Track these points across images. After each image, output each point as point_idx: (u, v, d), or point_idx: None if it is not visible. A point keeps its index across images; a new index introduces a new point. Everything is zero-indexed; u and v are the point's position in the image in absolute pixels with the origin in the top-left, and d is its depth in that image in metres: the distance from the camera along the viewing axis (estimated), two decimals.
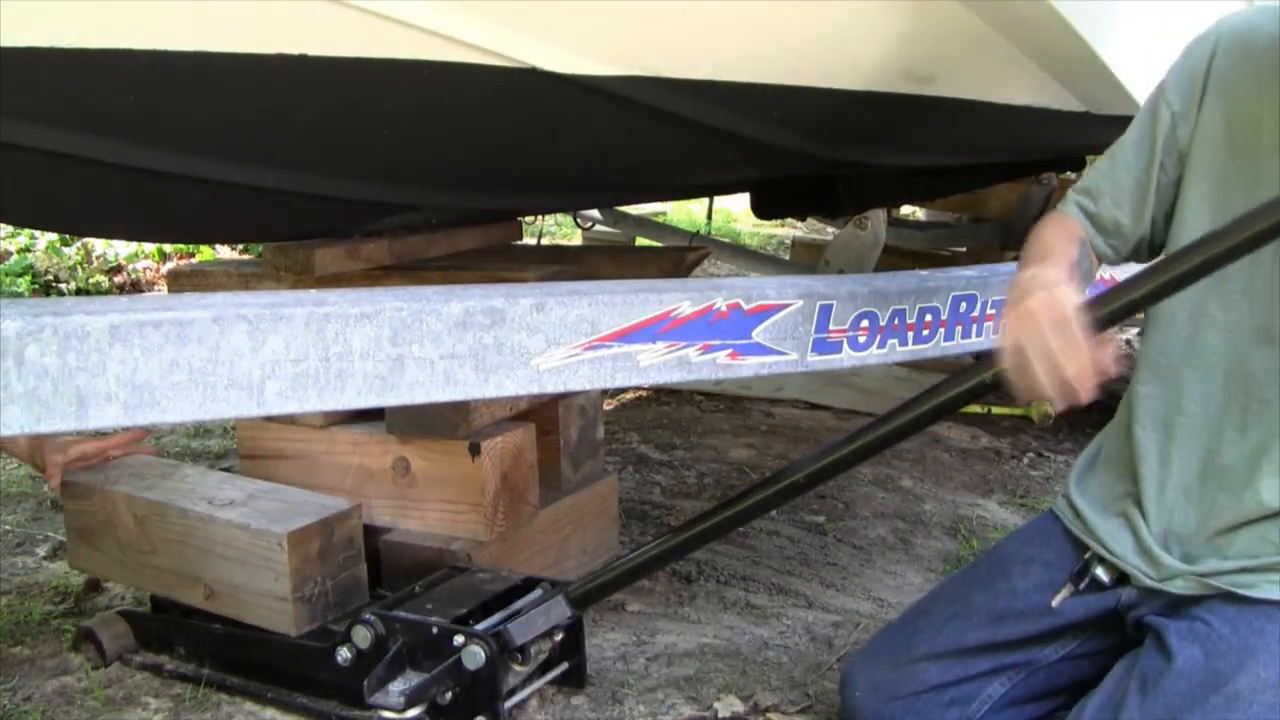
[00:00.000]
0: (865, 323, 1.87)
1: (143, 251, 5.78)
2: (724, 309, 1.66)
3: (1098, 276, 2.34)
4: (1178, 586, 1.59)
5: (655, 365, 1.61)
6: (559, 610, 1.80)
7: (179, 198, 1.82)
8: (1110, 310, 1.40)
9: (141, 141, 1.60)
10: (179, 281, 2.34)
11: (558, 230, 7.10)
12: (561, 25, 1.62)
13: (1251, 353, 1.59)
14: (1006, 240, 4.53)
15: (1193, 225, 1.62)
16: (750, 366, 1.73)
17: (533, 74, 1.65)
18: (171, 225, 2.11)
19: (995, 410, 3.84)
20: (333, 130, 1.72)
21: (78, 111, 1.50)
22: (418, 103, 1.68)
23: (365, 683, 1.78)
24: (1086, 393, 1.38)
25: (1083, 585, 1.67)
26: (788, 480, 1.62)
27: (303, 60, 1.48)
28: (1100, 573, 1.66)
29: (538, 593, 1.93)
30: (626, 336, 1.56)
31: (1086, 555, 1.69)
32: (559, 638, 1.87)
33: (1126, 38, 2.24)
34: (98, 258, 5.63)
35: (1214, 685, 1.48)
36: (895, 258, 4.04)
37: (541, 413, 2.36)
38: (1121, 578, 1.65)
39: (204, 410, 1.25)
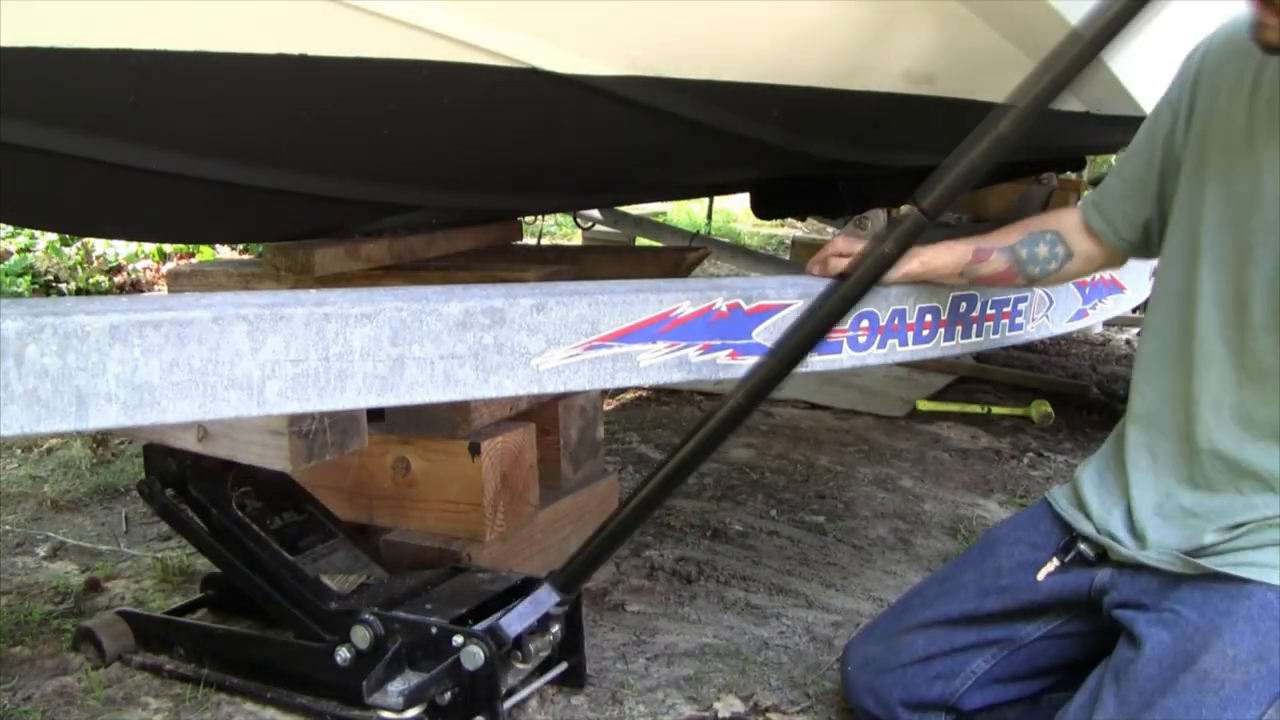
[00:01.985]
0: (865, 323, 1.87)
1: (143, 251, 5.78)
2: (724, 309, 1.66)
3: (1099, 278, 2.35)
4: (1152, 559, 1.61)
5: (655, 365, 1.61)
6: (546, 596, 1.78)
7: (179, 198, 1.82)
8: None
9: (141, 141, 1.60)
10: (179, 282, 2.33)
11: (558, 230, 7.10)
12: (562, 25, 1.61)
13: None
14: None
15: (1182, 223, 1.68)
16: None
17: (533, 74, 1.65)
18: (171, 225, 2.10)
19: (995, 410, 3.84)
20: (333, 130, 1.72)
21: (77, 111, 1.50)
22: (418, 103, 1.67)
23: (364, 683, 1.78)
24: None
25: (1068, 559, 1.72)
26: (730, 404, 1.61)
27: (303, 60, 1.48)
28: (1085, 548, 1.71)
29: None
30: (627, 336, 1.56)
31: (1074, 533, 1.74)
32: (557, 632, 1.86)
33: (1125, 36, 2.24)
34: (98, 258, 5.63)
35: (1183, 665, 1.51)
36: None
37: (541, 413, 2.36)
38: (1102, 555, 1.69)
39: (204, 411, 1.25)
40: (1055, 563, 1.73)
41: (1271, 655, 1.49)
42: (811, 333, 1.60)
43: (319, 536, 2.04)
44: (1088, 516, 1.72)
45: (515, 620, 1.76)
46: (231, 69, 1.45)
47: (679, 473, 1.66)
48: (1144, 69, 2.35)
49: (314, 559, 1.98)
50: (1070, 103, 2.48)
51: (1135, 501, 1.67)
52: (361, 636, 1.81)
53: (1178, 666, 1.51)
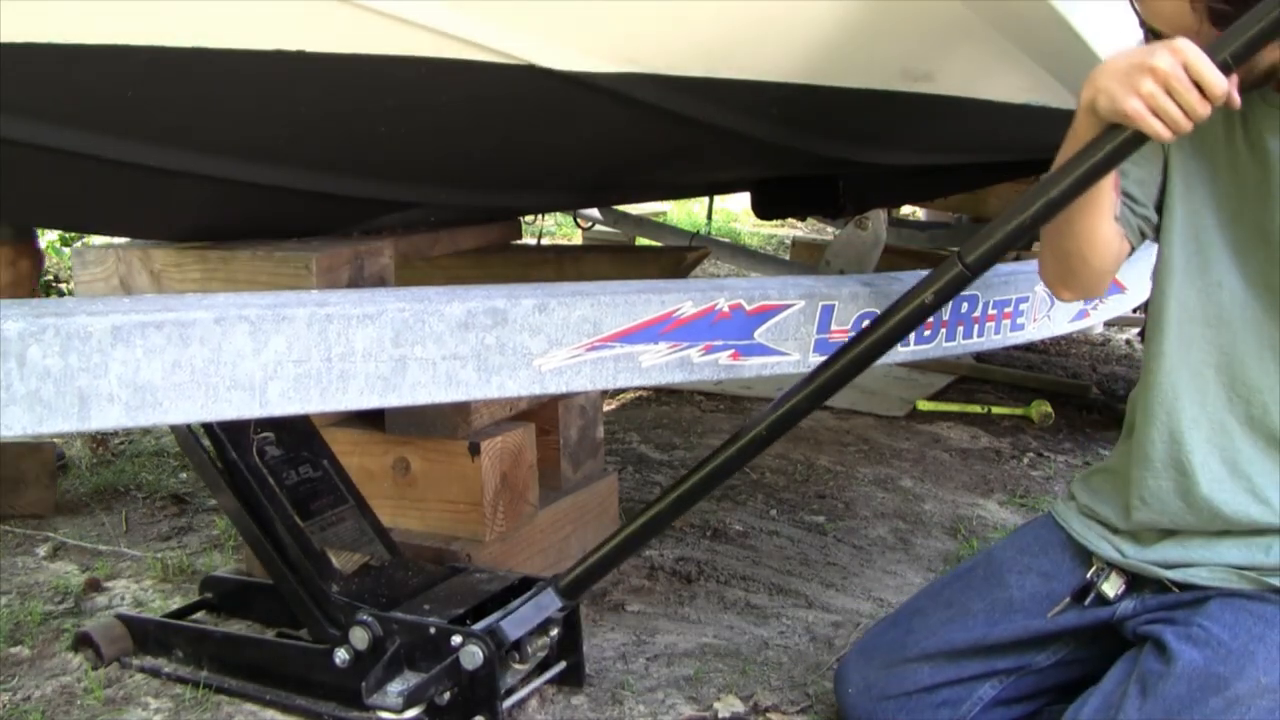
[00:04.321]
0: (867, 323, 1.87)
1: None
2: (726, 310, 1.66)
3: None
4: (1202, 576, 1.59)
5: (657, 366, 1.61)
6: (549, 601, 1.78)
7: (178, 195, 1.82)
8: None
9: (140, 138, 1.59)
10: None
11: (558, 230, 7.09)
12: (559, 21, 1.61)
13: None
14: None
15: (1170, 221, 1.64)
16: (752, 367, 1.73)
17: (530, 71, 1.64)
18: (170, 222, 2.10)
19: (995, 410, 3.84)
20: (331, 127, 1.72)
21: (76, 107, 1.50)
22: (415, 99, 1.67)
23: (363, 684, 1.78)
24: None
25: (1087, 602, 1.68)
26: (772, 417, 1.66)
27: (301, 56, 1.47)
28: (1106, 588, 1.67)
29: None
30: (629, 337, 1.56)
31: (1091, 570, 1.69)
32: (555, 634, 1.86)
33: (1125, 34, 2.24)
34: None
35: (1214, 688, 1.48)
36: (895, 258, 4.05)
37: (541, 412, 2.36)
38: (1128, 587, 1.66)
39: (206, 411, 1.25)
40: (1070, 599, 1.70)
41: None
42: (839, 373, 1.62)
43: (330, 500, 2.00)
44: (1115, 546, 1.68)
45: (516, 624, 1.75)
46: (229, 65, 1.45)
47: (692, 493, 1.68)
48: None
49: (322, 527, 1.96)
50: (1069, 100, 2.47)
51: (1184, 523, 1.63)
52: (360, 637, 1.81)
53: (1208, 689, 1.48)
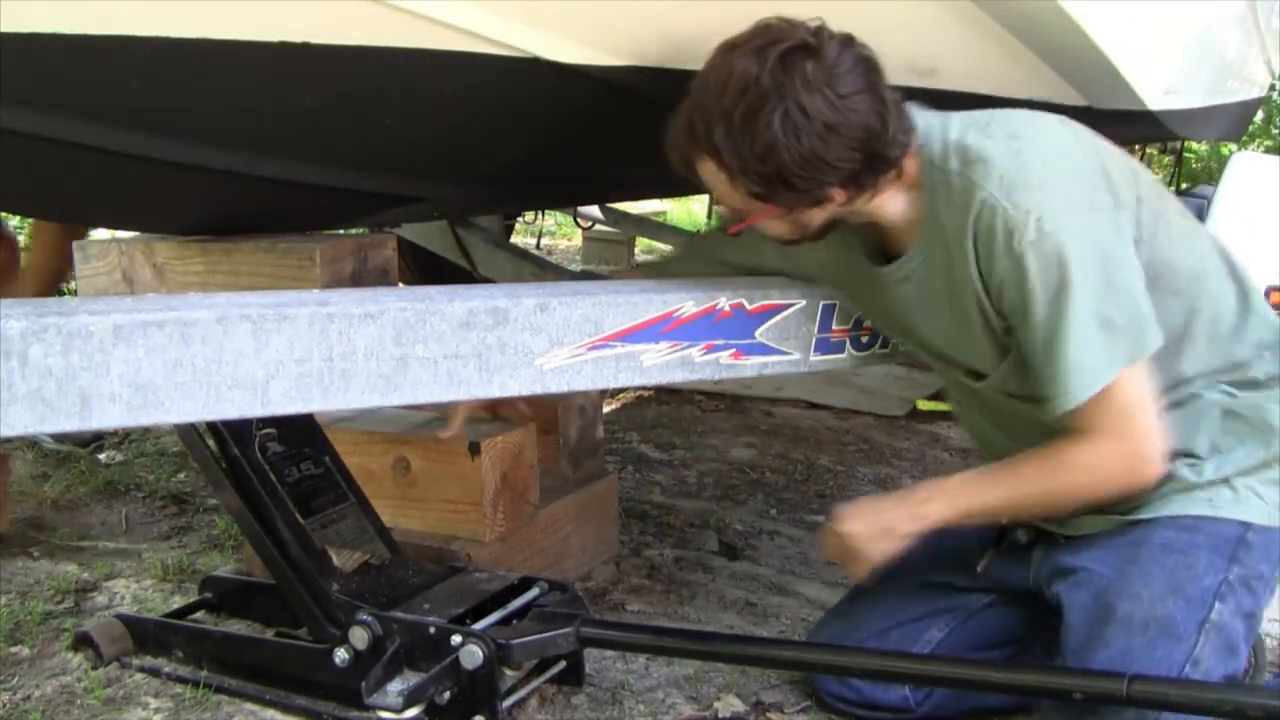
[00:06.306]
0: (868, 322, 1.87)
1: None
2: (727, 309, 1.66)
3: None
4: (1093, 525, 1.67)
5: (658, 365, 1.61)
6: (565, 639, 1.80)
7: (181, 188, 1.81)
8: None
9: (142, 129, 1.59)
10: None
11: (558, 230, 7.10)
12: (565, 14, 1.61)
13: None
14: None
15: None
16: (753, 366, 1.73)
17: (535, 63, 1.64)
18: (173, 215, 2.10)
19: None
20: (335, 120, 1.71)
21: (79, 98, 1.49)
22: (420, 92, 1.67)
23: (363, 684, 1.77)
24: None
25: (1002, 546, 1.80)
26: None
27: (305, 49, 1.47)
28: (1020, 534, 1.78)
29: (535, 592, 1.93)
30: (630, 336, 1.56)
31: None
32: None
33: (1128, 30, 2.24)
34: None
35: (1105, 616, 1.56)
36: None
37: (541, 412, 2.36)
38: (1039, 534, 1.76)
39: (207, 410, 1.25)
40: (992, 552, 1.81)
41: (1185, 586, 1.55)
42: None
43: (331, 498, 2.00)
44: None
45: (527, 649, 1.77)
46: (234, 57, 1.44)
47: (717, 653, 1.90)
48: (1145, 60, 2.34)
49: (323, 524, 1.96)
50: (1072, 96, 2.47)
51: None
52: (360, 637, 1.80)
53: (1101, 619, 1.56)
